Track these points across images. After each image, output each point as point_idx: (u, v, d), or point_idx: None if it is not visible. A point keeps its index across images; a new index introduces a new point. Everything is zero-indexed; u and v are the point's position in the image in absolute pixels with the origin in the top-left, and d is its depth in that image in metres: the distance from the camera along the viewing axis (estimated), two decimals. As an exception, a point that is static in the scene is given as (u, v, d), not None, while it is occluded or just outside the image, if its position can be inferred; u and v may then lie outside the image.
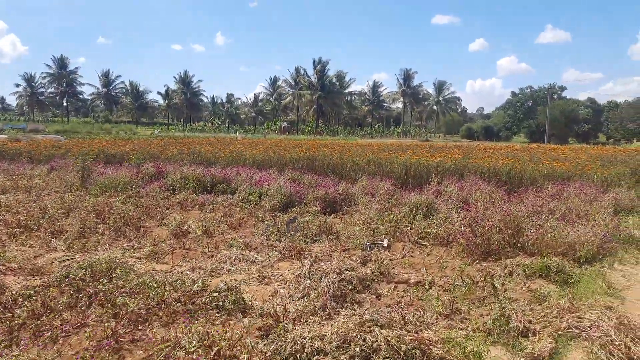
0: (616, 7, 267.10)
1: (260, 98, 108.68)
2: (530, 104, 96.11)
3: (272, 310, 4.57)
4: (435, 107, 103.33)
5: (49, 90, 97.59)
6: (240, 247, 7.27)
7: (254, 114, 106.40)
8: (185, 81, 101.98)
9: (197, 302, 4.76)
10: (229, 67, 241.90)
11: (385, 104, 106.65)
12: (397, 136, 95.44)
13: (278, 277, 5.75)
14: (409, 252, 7.33)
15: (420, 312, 4.79)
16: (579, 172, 12.72)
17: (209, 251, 7.05)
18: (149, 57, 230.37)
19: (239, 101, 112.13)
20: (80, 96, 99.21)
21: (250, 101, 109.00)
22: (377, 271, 6.02)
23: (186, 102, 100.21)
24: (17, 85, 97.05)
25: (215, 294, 4.87)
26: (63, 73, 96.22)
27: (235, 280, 5.66)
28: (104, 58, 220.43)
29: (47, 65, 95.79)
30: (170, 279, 5.34)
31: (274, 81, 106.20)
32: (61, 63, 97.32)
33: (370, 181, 12.95)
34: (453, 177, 13.17)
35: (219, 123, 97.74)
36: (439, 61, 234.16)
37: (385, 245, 7.60)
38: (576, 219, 8.66)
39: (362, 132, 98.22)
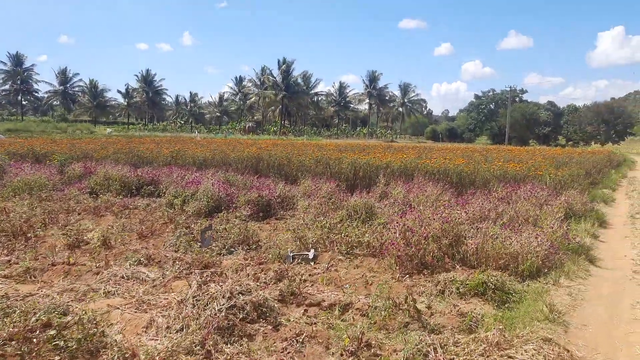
0: (576, 14, 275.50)
1: (225, 98, 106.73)
2: (492, 107, 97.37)
3: (130, 350, 3.58)
4: (400, 109, 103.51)
5: (2, 88, 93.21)
6: (138, 260, 6.22)
7: (218, 114, 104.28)
8: (147, 80, 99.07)
9: (37, 339, 3.71)
10: (196, 67, 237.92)
11: (352, 105, 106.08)
12: (363, 137, 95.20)
13: (162, 301, 4.73)
14: (335, 264, 6.42)
15: (321, 348, 3.87)
16: (532, 173, 12.12)
17: (97, 267, 5.97)
18: (113, 57, 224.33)
19: (203, 101, 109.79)
20: (37, 94, 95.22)
21: (215, 101, 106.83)
22: (288, 291, 5.08)
23: (148, 101, 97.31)
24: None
25: (64, 328, 3.83)
26: (18, 70, 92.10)
27: (109, 306, 4.62)
28: (67, 57, 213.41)
29: (2, 62, 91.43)
30: (20, 306, 4.26)
31: (239, 81, 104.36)
32: (17, 60, 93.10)
33: (315, 182, 12.03)
34: (402, 179, 12.40)
35: (182, 123, 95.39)
36: (405, 64, 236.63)
37: (311, 256, 6.68)
38: (524, 225, 7.96)
39: (328, 132, 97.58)
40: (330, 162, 13.73)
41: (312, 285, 5.59)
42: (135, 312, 4.53)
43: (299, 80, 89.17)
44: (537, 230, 6.93)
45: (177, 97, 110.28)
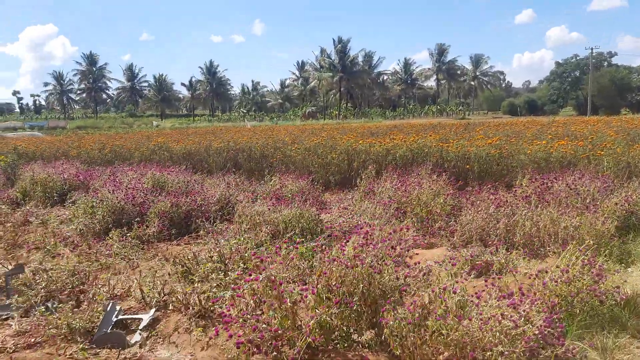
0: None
1: (287, 84, 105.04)
2: (577, 74, 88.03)
3: None
4: (472, 83, 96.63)
5: (78, 87, 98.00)
6: None
7: (280, 101, 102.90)
8: (210, 71, 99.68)
9: None
10: (267, 55, 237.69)
11: (418, 82, 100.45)
12: (432, 115, 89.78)
13: None
14: (180, 334, 3.70)
15: None
16: (587, 154, 8.53)
17: None
18: (190, 51, 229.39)
19: (265, 89, 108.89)
20: (108, 91, 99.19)
21: (277, 88, 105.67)
22: None
23: (212, 92, 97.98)
24: (46, 84, 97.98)
25: None
26: (92, 69, 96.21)
27: None
28: (148, 54, 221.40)
29: (78, 62, 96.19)
30: None
31: (301, 66, 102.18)
32: (91, 60, 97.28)
33: (286, 178, 9.22)
34: (406, 167, 9.29)
35: (244, 112, 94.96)
36: (480, 36, 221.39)
37: (145, 322, 3.98)
38: (538, 250, 4.79)
39: (394, 113, 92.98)
40: (319, 151, 10.82)
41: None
42: None
43: (359, 60, 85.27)
44: (553, 266, 3.70)
45: (242, 86, 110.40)
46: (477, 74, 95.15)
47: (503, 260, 4.68)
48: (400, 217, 6.77)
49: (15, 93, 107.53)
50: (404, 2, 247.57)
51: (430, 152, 9.82)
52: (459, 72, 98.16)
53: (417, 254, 5.66)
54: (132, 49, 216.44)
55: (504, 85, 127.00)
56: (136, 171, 9.64)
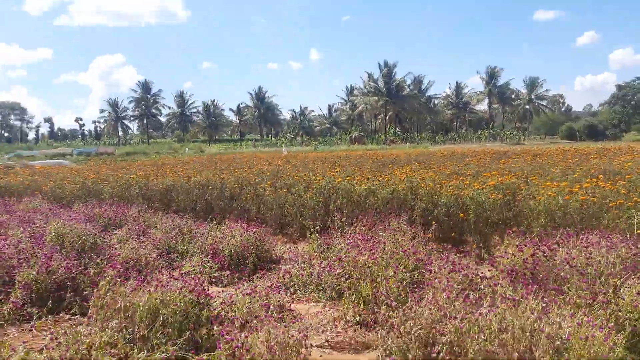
0: None
1: (335, 109, 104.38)
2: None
3: None
4: (527, 107, 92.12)
5: (132, 114, 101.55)
6: None
7: (328, 125, 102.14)
8: (259, 96, 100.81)
9: None
10: (322, 81, 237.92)
11: (470, 106, 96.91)
12: (485, 140, 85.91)
13: None
14: None
15: None
16: (618, 202, 6.38)
17: None
18: (248, 77, 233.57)
19: (313, 114, 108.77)
20: (158, 117, 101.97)
21: (324, 113, 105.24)
22: None
23: (259, 117, 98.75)
24: (102, 111, 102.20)
25: None
26: (146, 96, 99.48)
27: None
28: (207, 81, 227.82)
29: (133, 90, 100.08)
30: None
31: (350, 90, 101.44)
32: (145, 87, 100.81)
33: (235, 224, 7.58)
34: (389, 214, 7.46)
35: (292, 136, 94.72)
36: (538, 59, 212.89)
37: None
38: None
39: (444, 138, 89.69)
40: (293, 190, 9.16)
41: None
42: None
43: (407, 84, 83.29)
44: None
45: (293, 111, 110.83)
46: (532, 97, 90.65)
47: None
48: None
49: (77, 120, 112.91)
50: (464, 25, 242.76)
51: (420, 195, 7.92)
52: (512, 95, 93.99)
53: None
54: (192, 77, 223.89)
55: (563, 109, 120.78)
56: (77, 211, 8.30)
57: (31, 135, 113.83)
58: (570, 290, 4.11)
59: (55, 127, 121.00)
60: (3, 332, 4.67)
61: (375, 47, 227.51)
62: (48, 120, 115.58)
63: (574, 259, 4.44)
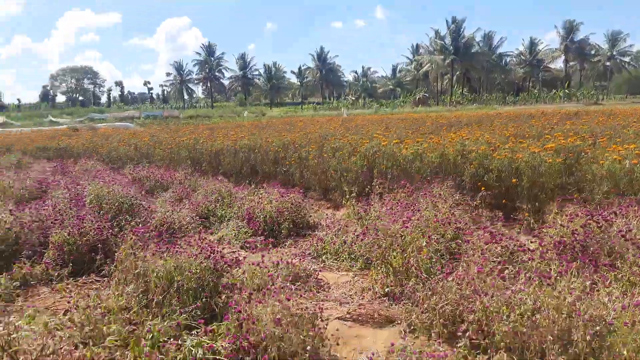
0: None
1: (399, 69, 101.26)
2: None
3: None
4: (608, 64, 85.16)
5: (196, 77, 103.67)
6: None
7: (391, 87, 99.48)
8: (321, 58, 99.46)
9: None
10: (388, 40, 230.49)
11: (544, 64, 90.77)
12: (560, 101, 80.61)
13: None
14: None
15: None
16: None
17: None
18: (312, 37, 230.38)
19: (377, 74, 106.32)
20: (221, 80, 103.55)
21: (388, 74, 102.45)
22: None
23: (321, 79, 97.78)
24: (168, 74, 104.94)
25: None
26: (209, 59, 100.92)
27: None
28: (270, 44, 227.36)
29: (197, 53, 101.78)
30: None
31: (415, 49, 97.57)
32: (209, 50, 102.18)
33: (273, 187, 7.44)
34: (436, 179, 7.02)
35: (354, 99, 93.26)
36: (621, 11, 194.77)
37: None
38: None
39: (515, 99, 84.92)
40: (337, 154, 8.85)
41: None
42: None
43: (477, 41, 79.11)
44: None
45: (355, 72, 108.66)
46: (614, 53, 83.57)
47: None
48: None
49: (146, 83, 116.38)
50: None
51: (470, 159, 7.39)
52: (592, 51, 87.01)
53: (356, 336, 3.76)
54: (256, 39, 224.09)
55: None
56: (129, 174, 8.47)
57: (103, 99, 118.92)
58: (623, 266, 3.62)
59: (125, 91, 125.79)
60: (35, 292, 4.79)
61: (444, 1, 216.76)
62: (119, 83, 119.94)
63: (630, 230, 3.89)
